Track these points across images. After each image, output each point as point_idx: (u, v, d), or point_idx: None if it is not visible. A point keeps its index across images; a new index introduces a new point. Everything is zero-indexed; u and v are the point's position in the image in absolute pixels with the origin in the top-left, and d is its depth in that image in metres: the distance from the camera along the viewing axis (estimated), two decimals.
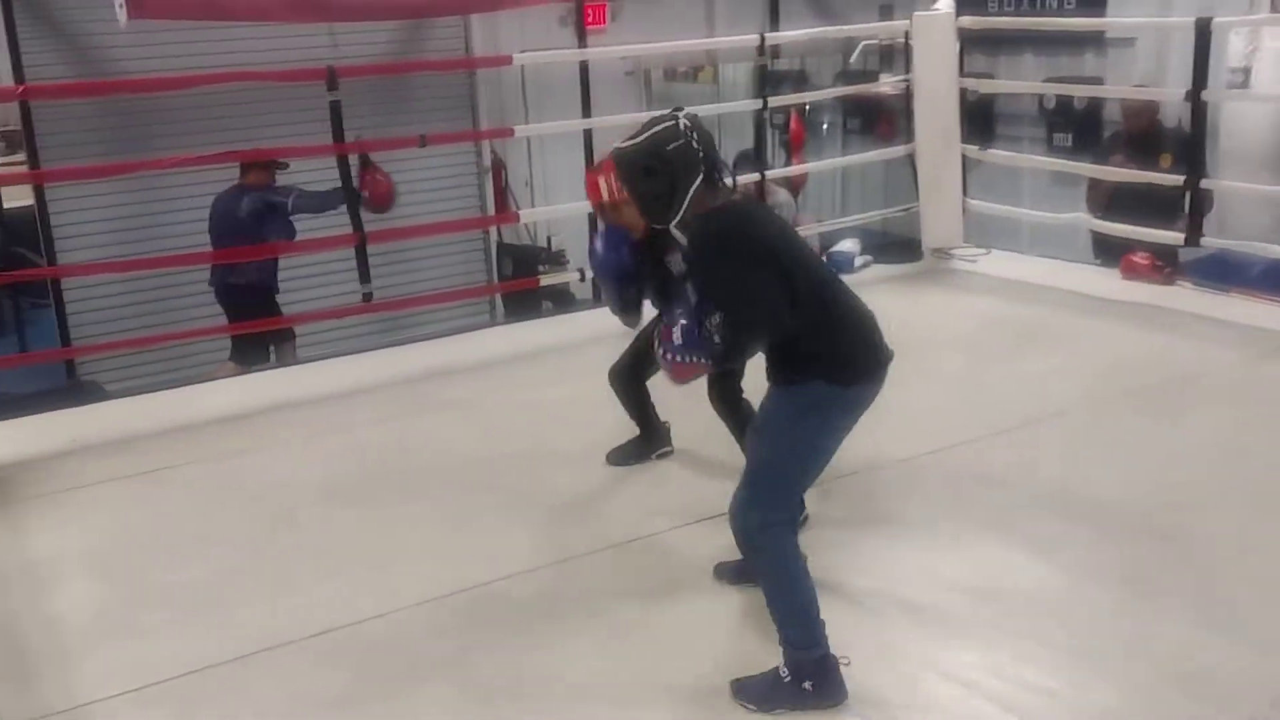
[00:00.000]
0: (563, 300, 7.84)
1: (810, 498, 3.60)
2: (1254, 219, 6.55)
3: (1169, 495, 3.99)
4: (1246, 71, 6.97)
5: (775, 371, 3.02)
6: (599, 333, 5.53)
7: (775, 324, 2.91)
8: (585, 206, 5.88)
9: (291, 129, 7.39)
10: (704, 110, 10.18)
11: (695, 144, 2.99)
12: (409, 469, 4.53)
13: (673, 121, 3.03)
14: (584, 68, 7.84)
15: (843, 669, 2.88)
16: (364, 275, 5.97)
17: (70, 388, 7.08)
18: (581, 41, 8.57)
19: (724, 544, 3.23)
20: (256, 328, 6.52)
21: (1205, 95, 5.77)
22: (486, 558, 3.75)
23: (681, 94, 11.25)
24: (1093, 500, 3.97)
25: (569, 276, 7.20)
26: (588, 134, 6.99)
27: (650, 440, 4.48)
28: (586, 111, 8.01)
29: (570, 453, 4.53)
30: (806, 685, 2.87)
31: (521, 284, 8.14)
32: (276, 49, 7.74)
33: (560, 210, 7.78)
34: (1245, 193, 6.51)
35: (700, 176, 2.98)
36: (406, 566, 3.74)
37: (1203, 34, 5.70)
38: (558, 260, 8.66)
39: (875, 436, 4.47)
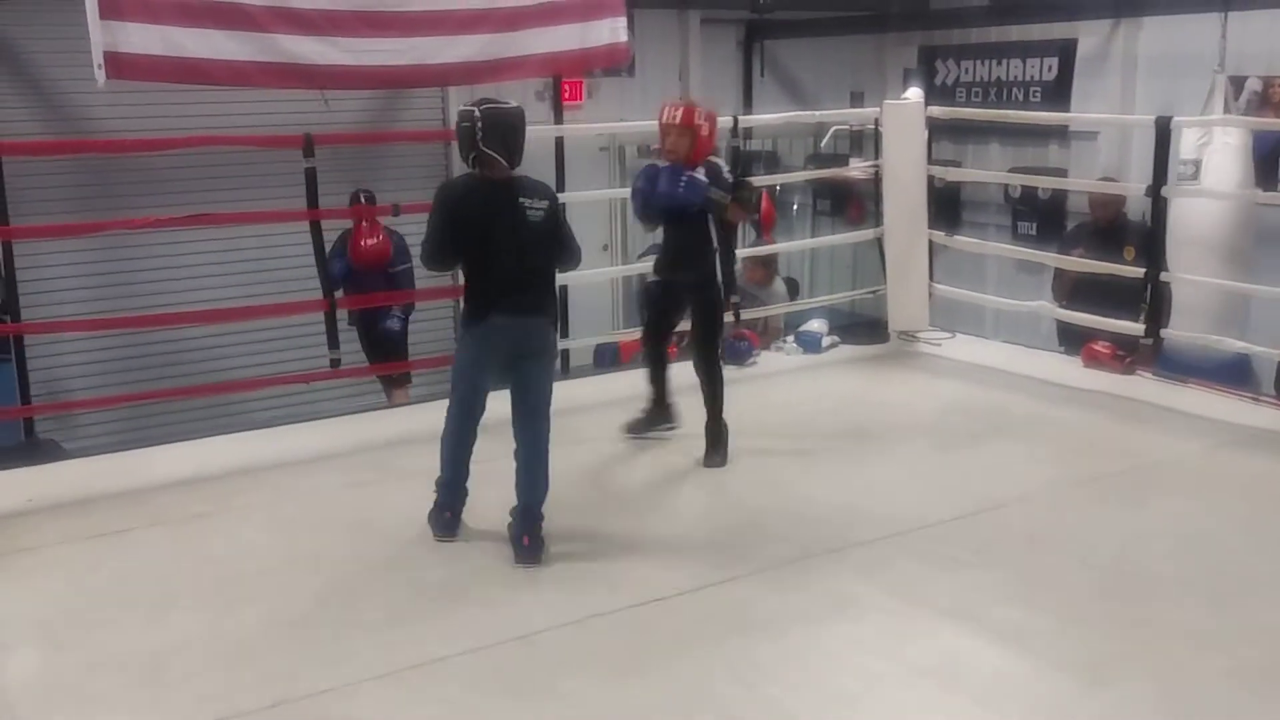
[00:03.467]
0: None
1: (774, 580, 3.59)
2: (1206, 308, 6.68)
3: (1130, 583, 4.03)
4: (1197, 164, 7.16)
5: None
6: (568, 404, 5.55)
7: None
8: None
9: (268, 192, 7.41)
10: None
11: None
12: (370, 537, 4.49)
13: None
14: (559, 142, 7.92)
15: None
16: (332, 341, 5.96)
17: (28, 446, 6.97)
18: (558, 116, 8.66)
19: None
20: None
21: (1164, 191, 5.92)
22: (441, 633, 3.71)
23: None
24: (1055, 587, 3.99)
25: None
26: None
27: (659, 414, 5.41)
28: (560, 185, 8.09)
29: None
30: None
31: None
32: (255, 112, 7.78)
33: None
34: (1199, 283, 6.64)
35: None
36: (366, 636, 3.69)
37: (1163, 132, 5.87)
38: None
39: (838, 519, 4.54)
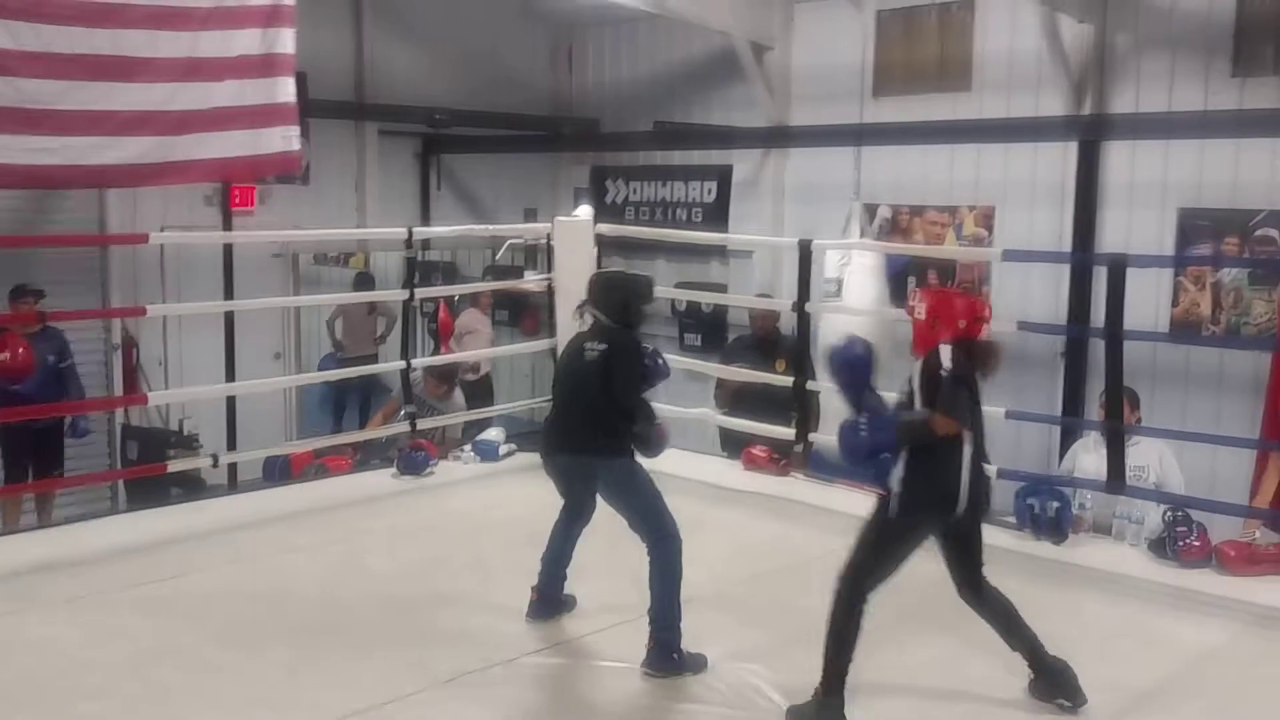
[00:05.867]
0: (193, 487, 7.44)
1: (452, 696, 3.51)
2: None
3: (788, 678, 4.25)
4: (839, 282, 7.88)
5: None
6: (231, 521, 5.31)
7: None
8: (222, 388, 5.68)
9: None
10: (352, 298, 10.28)
11: None
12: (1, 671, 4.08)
13: None
14: (228, 249, 7.71)
15: None
16: None
17: None
18: (227, 222, 8.43)
19: None
20: None
21: (808, 307, 6.46)
22: None
23: (332, 278, 11.23)
24: (734, 681, 4.15)
25: (202, 462, 6.85)
26: (229, 315, 6.82)
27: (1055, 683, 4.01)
28: (229, 292, 7.84)
29: (195, 659, 4.25)
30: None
31: (147, 470, 7.64)
32: None
33: (196, 392, 7.48)
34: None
35: None
36: None
37: (805, 253, 6.42)
38: (189, 444, 8.24)
39: (507, 628, 4.56)
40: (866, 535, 3.99)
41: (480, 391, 9.29)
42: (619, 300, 4.60)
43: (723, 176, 10.32)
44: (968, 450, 3.90)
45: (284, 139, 6.88)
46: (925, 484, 3.90)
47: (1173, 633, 4.68)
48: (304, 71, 7.31)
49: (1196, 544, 5.14)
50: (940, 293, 4.76)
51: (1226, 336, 7.62)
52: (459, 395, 7.74)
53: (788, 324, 7.42)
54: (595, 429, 4.48)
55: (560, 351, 4.82)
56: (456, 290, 9.78)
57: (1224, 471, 6.66)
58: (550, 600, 4.74)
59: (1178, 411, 7.33)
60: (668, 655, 4.21)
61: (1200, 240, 7.73)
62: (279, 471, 6.56)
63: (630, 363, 4.51)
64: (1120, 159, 8.06)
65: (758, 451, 6.84)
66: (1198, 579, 5.01)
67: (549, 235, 7.40)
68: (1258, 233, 7.48)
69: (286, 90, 6.84)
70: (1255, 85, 7.51)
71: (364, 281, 10.41)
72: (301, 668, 4.19)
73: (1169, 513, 5.29)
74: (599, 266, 7.40)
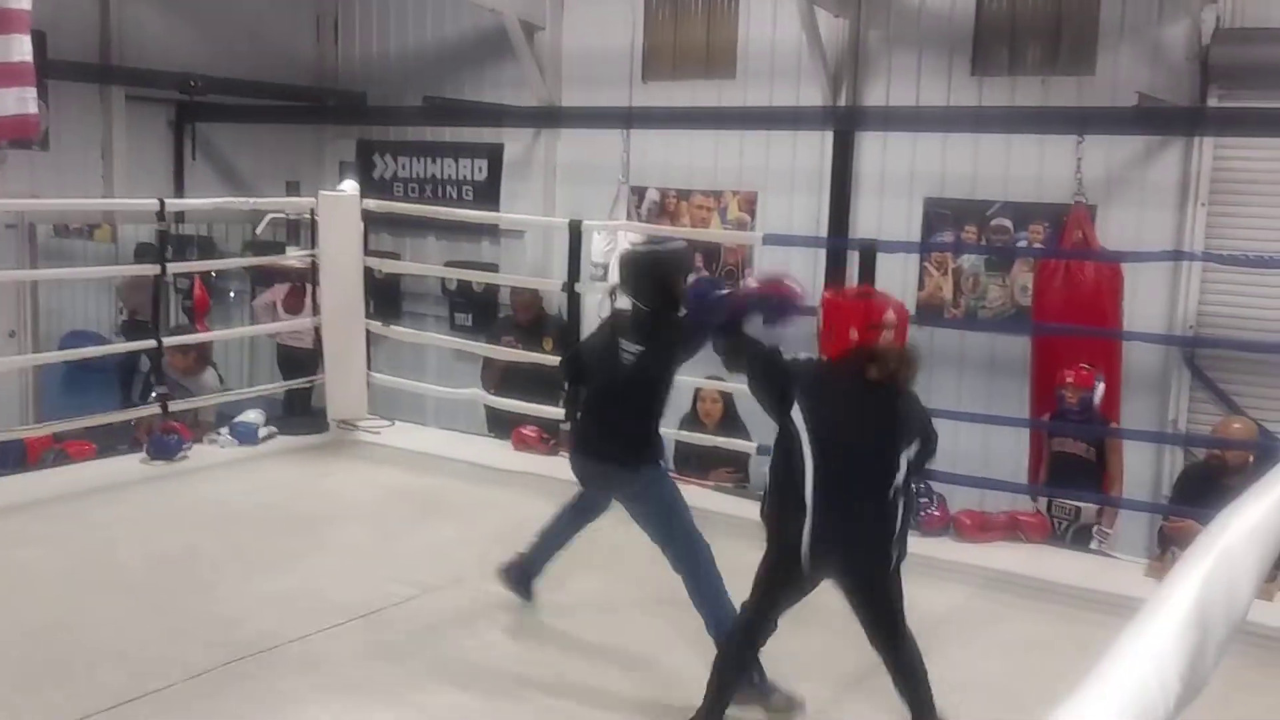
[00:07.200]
0: None
1: (202, 690, 3.41)
2: None
3: (559, 653, 4.30)
4: (605, 267, 7.98)
5: None
6: None
7: None
8: None
9: None
10: (97, 273, 9.68)
11: None
12: None
13: None
14: None
15: None
16: None
17: None
18: None
19: None
20: None
21: (578, 286, 6.52)
22: None
23: (75, 251, 10.54)
24: (490, 667, 4.17)
25: None
26: None
27: None
28: None
29: None
30: None
31: None
32: None
33: None
34: None
35: None
36: None
37: (575, 233, 6.47)
38: None
39: (273, 616, 4.43)
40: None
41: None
42: (659, 280, 4.15)
43: (494, 155, 10.24)
44: (811, 475, 3.43)
45: (19, 101, 6.36)
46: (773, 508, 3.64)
47: (915, 596, 4.95)
48: (43, 30, 6.80)
49: (937, 514, 5.50)
50: (834, 298, 4.20)
51: (966, 319, 8.15)
52: (211, 374, 7.42)
53: (557, 304, 7.47)
54: (618, 437, 4.20)
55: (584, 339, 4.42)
56: (211, 266, 9.34)
57: (996, 446, 7.07)
58: (525, 576, 4.58)
59: (922, 390, 7.79)
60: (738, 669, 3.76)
61: (943, 228, 8.22)
62: (13, 458, 6.11)
63: (696, 342, 4.10)
64: (873, 149, 8.46)
65: (528, 431, 6.86)
66: (938, 546, 5.35)
67: (313, 210, 7.17)
68: (994, 222, 8.01)
69: (22, 49, 6.34)
70: (991, 84, 8.03)
71: (145, 252, 9.74)
72: (39, 671, 3.94)
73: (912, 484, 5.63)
74: (366, 244, 7.24)
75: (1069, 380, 5.96)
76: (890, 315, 3.69)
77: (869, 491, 3.47)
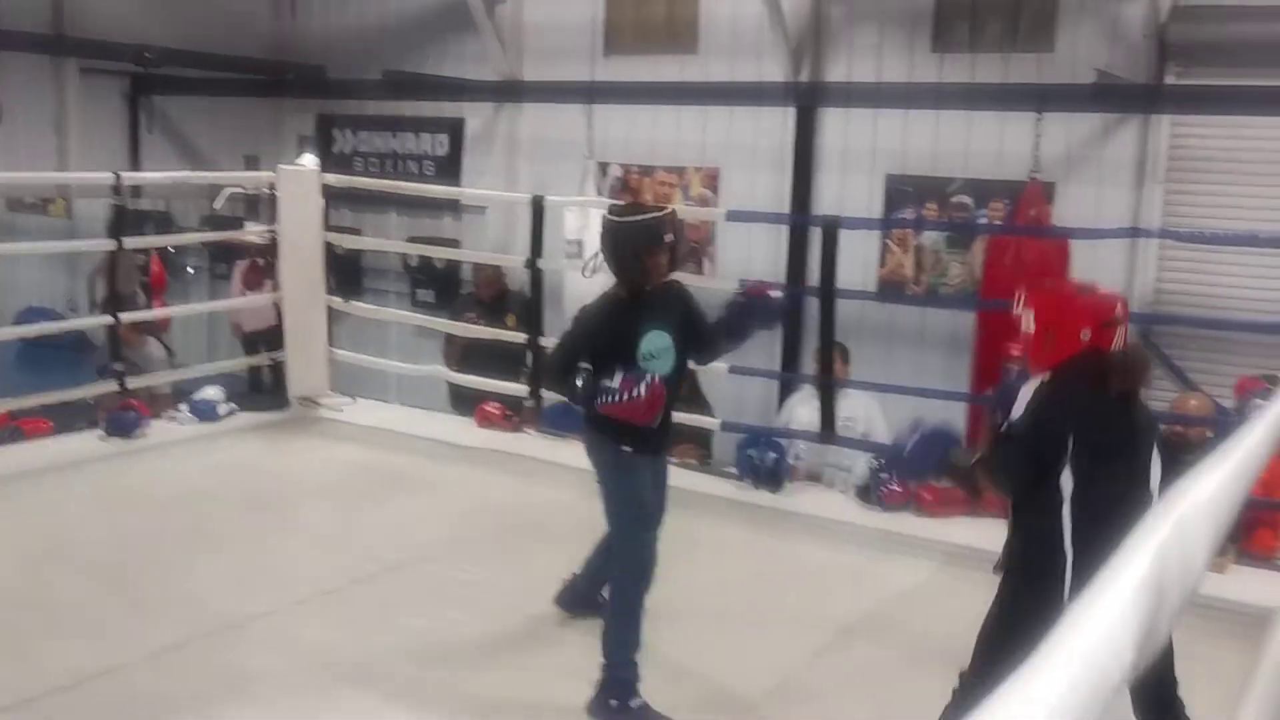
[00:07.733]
0: None
1: (164, 666, 3.39)
2: None
3: (524, 631, 4.30)
4: (580, 243, 7.95)
5: None
6: None
7: None
8: None
9: None
10: (52, 248, 9.55)
11: None
12: None
13: None
14: None
15: None
16: None
17: None
18: None
19: None
20: None
21: (540, 263, 6.49)
22: None
23: (29, 226, 10.37)
24: (454, 644, 4.17)
25: None
26: None
27: None
28: None
29: None
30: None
31: None
32: None
33: None
34: None
35: None
36: None
37: (537, 210, 6.44)
38: None
39: (237, 592, 4.41)
40: None
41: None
42: (627, 253, 3.74)
43: (455, 130, 10.17)
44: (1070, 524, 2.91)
45: None
46: None
47: (877, 571, 5.04)
48: None
49: (898, 489, 5.55)
50: (1049, 292, 3.39)
51: (927, 296, 8.20)
52: (155, 346, 7.31)
53: (520, 280, 7.44)
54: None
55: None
56: (169, 241, 9.22)
57: (956, 421, 7.13)
58: (581, 595, 4.30)
59: (883, 365, 7.85)
60: (609, 703, 3.59)
61: (904, 205, 8.26)
62: None
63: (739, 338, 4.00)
64: (835, 126, 8.48)
65: (491, 408, 6.84)
66: (899, 521, 5.41)
67: (272, 185, 7.09)
68: (954, 199, 8.06)
69: None
70: (952, 61, 8.06)
71: (127, 224, 9.52)
72: None
73: (874, 460, 5.68)
74: (327, 219, 7.17)
75: (1015, 352, 5.99)
76: (1120, 309, 3.15)
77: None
